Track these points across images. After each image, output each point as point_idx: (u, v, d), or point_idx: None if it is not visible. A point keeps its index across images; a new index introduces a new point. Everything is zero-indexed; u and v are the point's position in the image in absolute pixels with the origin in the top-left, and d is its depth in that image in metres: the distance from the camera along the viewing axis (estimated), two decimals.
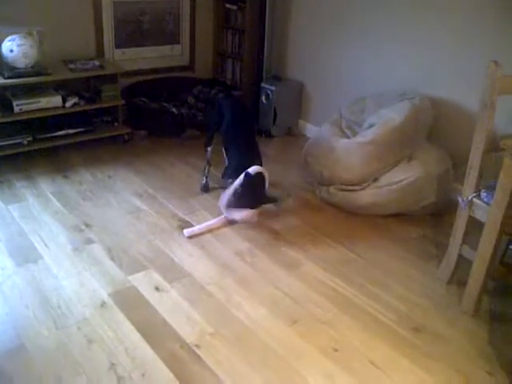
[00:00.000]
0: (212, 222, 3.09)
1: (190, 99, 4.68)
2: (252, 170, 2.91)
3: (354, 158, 3.23)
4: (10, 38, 3.58)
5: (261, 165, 3.03)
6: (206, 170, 3.50)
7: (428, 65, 3.51)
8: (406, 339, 2.27)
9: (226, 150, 3.26)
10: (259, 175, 2.95)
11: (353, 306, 2.47)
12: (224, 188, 3.10)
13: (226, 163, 3.22)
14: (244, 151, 3.14)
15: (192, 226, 3.04)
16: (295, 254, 2.87)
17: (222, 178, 3.16)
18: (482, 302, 2.47)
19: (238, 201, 2.93)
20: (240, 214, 2.93)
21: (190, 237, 2.95)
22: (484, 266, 2.33)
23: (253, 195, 2.93)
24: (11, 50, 3.55)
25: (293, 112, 4.65)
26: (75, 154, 3.94)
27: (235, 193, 2.92)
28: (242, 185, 2.89)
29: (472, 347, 2.26)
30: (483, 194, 2.38)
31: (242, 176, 2.89)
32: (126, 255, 2.76)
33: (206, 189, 3.49)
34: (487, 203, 2.33)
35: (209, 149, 3.49)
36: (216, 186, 3.51)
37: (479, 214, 2.39)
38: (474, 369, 2.14)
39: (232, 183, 2.97)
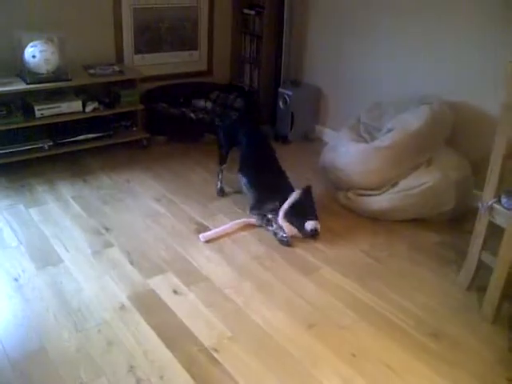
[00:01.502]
0: (228, 225, 3.10)
1: (208, 104, 4.71)
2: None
3: (372, 163, 3.23)
4: (32, 44, 3.64)
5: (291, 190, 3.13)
6: (220, 176, 3.55)
7: (447, 69, 3.49)
8: (425, 345, 2.26)
9: (249, 183, 3.30)
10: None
11: (370, 311, 2.46)
12: (239, 192, 3.35)
13: (250, 197, 3.28)
14: (267, 182, 3.22)
15: (209, 229, 3.06)
16: (313, 258, 2.87)
17: (251, 211, 3.24)
18: (502, 308, 2.44)
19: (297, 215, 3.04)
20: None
21: (207, 241, 2.97)
22: (504, 272, 2.31)
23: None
24: (33, 56, 3.61)
25: (310, 117, 4.66)
26: (94, 159, 3.98)
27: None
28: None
29: (491, 354, 2.23)
30: (503, 200, 2.36)
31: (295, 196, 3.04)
32: (145, 259, 2.78)
33: (221, 192, 3.53)
34: (507, 209, 2.31)
35: (224, 166, 3.54)
36: (231, 190, 3.57)
37: (499, 220, 2.37)
38: (493, 376, 2.12)
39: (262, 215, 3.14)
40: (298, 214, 3.02)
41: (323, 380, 2.05)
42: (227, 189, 3.56)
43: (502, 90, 2.29)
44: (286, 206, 3.03)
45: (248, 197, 3.31)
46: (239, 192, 3.49)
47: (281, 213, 3.03)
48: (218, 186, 3.55)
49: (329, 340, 2.26)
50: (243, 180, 3.35)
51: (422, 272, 2.80)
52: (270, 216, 3.12)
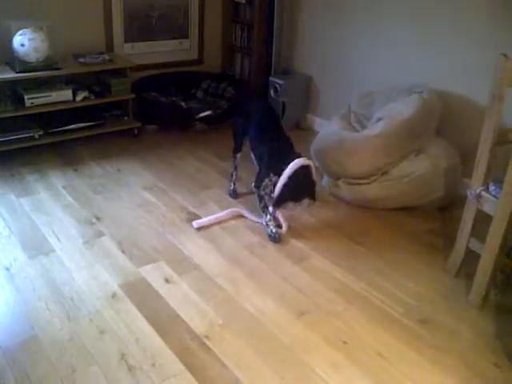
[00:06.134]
0: (221, 214, 3.11)
1: (199, 93, 4.70)
2: (296, 163, 2.78)
3: (362, 152, 3.24)
4: (20, 32, 3.61)
5: (299, 156, 2.86)
6: (234, 176, 3.40)
7: (437, 58, 3.50)
8: (414, 331, 2.29)
9: (256, 155, 3.13)
10: (305, 169, 2.83)
11: (361, 299, 2.49)
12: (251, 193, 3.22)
13: (257, 168, 3.10)
14: (273, 148, 2.96)
15: (201, 218, 3.07)
16: (304, 246, 2.89)
17: (255, 187, 3.04)
18: (490, 295, 2.48)
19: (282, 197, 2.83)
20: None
21: (199, 228, 2.98)
22: (492, 260, 2.34)
23: (296, 190, 2.83)
24: (22, 44, 3.58)
25: (301, 106, 4.66)
26: (85, 148, 3.97)
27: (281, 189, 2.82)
28: (288, 180, 2.78)
29: (479, 339, 2.27)
30: (491, 187, 2.38)
31: (287, 171, 2.77)
32: (136, 248, 2.79)
33: (234, 194, 3.40)
34: (495, 196, 2.34)
35: (238, 155, 3.36)
36: (244, 190, 3.46)
37: (487, 207, 2.40)
38: (480, 361, 2.15)
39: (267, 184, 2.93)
40: (291, 193, 2.81)
41: (314, 367, 2.07)
42: (239, 190, 3.45)
43: (490, 80, 2.31)
44: (276, 192, 2.83)
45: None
46: (252, 193, 3.30)
47: (272, 202, 2.89)
48: (231, 187, 3.40)
49: (320, 327, 2.29)
50: (252, 156, 3.19)
51: (412, 259, 2.83)
52: (267, 199, 2.98)
